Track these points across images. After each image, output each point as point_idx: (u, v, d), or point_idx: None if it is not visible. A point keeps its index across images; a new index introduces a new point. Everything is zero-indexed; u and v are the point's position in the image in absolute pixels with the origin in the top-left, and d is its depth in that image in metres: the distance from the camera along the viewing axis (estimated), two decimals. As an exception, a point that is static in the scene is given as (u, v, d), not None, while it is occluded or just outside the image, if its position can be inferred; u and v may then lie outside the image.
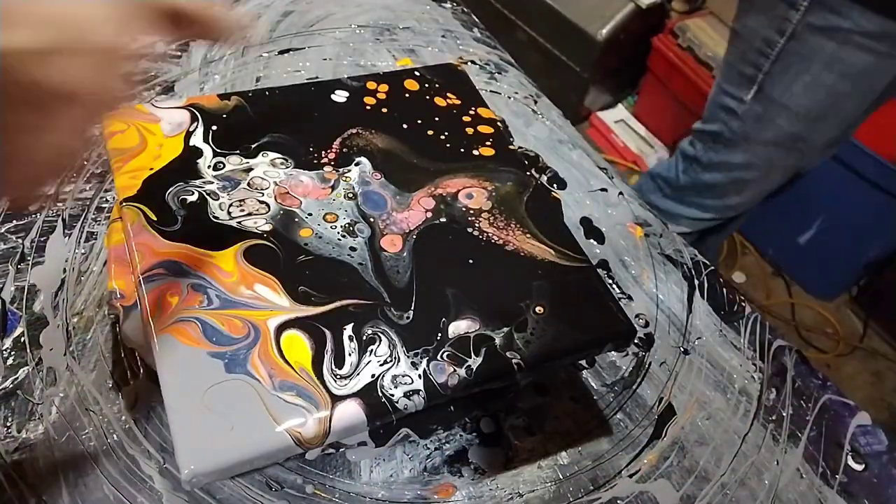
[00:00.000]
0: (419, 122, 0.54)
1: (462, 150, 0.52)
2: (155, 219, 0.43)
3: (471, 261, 0.45)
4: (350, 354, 0.39)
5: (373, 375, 0.38)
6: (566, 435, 0.49)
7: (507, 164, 0.52)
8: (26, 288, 0.50)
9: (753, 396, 0.54)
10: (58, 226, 0.54)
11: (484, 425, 0.49)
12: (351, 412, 0.37)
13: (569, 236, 0.48)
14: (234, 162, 0.48)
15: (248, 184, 0.46)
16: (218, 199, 0.45)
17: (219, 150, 0.48)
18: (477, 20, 0.84)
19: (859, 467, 0.51)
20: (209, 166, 0.47)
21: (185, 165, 0.47)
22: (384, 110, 0.54)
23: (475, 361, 0.40)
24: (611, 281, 0.59)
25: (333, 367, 0.38)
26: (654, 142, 1.77)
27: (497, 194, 0.50)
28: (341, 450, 0.45)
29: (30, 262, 0.52)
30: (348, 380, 0.38)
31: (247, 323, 0.39)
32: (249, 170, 0.47)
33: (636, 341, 0.55)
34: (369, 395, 0.37)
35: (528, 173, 0.52)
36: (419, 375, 0.39)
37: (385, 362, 0.39)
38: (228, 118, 0.50)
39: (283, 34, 0.75)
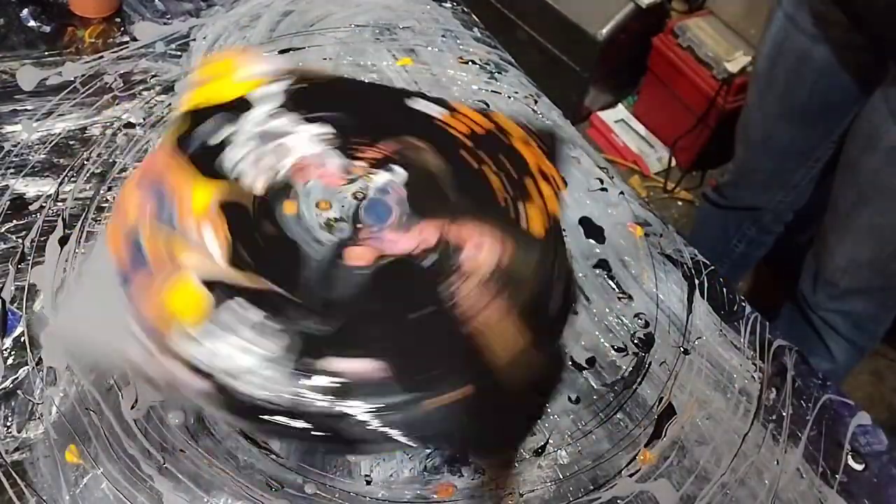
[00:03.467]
0: (493, 167, 0.48)
1: (513, 214, 0.46)
2: (181, 135, 0.45)
3: (422, 314, 0.41)
4: (225, 330, 0.38)
5: (227, 356, 0.37)
6: (566, 435, 0.49)
7: (544, 252, 0.45)
8: (26, 287, 0.50)
9: (753, 396, 0.54)
10: (58, 226, 0.54)
11: (484, 425, 0.49)
12: (178, 378, 0.37)
13: (543, 344, 0.43)
14: (283, 121, 0.47)
15: (280, 145, 0.46)
16: (239, 148, 0.45)
17: (282, 107, 0.48)
18: (477, 20, 0.84)
19: (859, 467, 0.51)
20: (259, 116, 0.47)
21: (239, 108, 0.47)
22: (468, 142, 0.49)
23: (356, 416, 0.37)
24: (611, 281, 0.59)
25: (201, 334, 0.38)
26: (654, 141, 1.77)
27: (509, 265, 0.43)
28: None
29: (30, 262, 0.51)
30: (196, 343, 0.37)
31: (171, 255, 0.39)
32: (289, 134, 0.47)
33: (635, 342, 0.55)
34: (209, 374, 0.37)
35: (554, 266, 0.45)
36: (284, 391, 0.37)
37: (255, 355, 0.37)
38: (314, 84, 0.50)
39: (283, 34, 0.75)
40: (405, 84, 0.71)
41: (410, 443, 0.39)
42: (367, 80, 0.54)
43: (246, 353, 0.37)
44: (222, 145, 0.45)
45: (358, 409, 0.37)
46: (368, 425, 0.38)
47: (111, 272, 0.39)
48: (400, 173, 0.47)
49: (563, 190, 0.49)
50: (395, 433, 0.38)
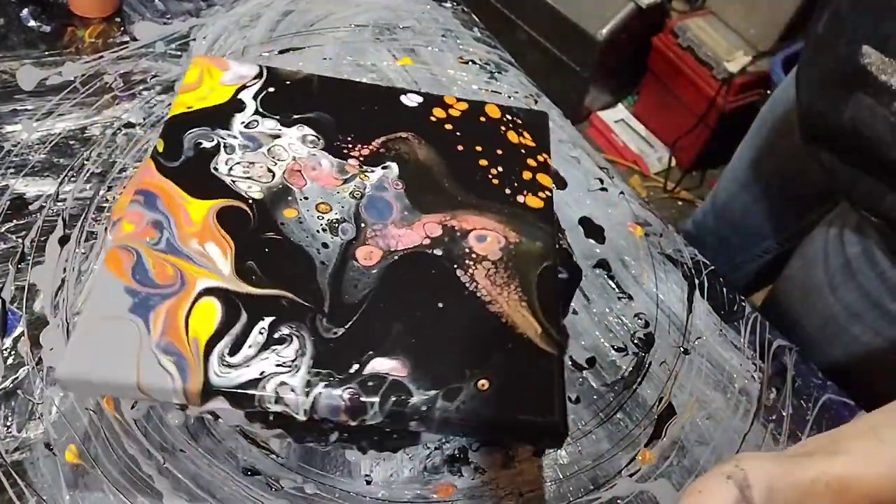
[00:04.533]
0: (477, 149, 0.50)
1: (508, 191, 0.48)
2: (161, 151, 0.44)
3: (440, 305, 0.41)
4: (250, 347, 0.37)
5: (261, 373, 0.37)
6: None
7: (546, 224, 0.47)
8: (26, 287, 0.50)
9: (753, 396, 0.54)
10: (58, 225, 0.54)
11: (484, 425, 0.49)
12: (214, 406, 0.37)
13: (558, 319, 0.44)
14: (268, 125, 0.48)
15: (269, 150, 0.46)
16: (231, 154, 0.45)
17: (261, 110, 0.48)
18: (477, 20, 0.84)
19: (859, 467, 0.51)
20: (243, 122, 0.47)
21: (222, 114, 0.47)
22: (448, 126, 0.51)
23: (373, 414, 0.37)
24: (611, 281, 0.59)
25: (226, 352, 0.37)
26: (654, 141, 1.77)
27: (516, 250, 0.45)
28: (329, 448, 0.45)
29: (30, 262, 0.52)
30: (233, 369, 0.36)
31: (178, 274, 0.39)
32: (277, 136, 0.47)
33: (635, 342, 0.55)
34: (242, 396, 0.36)
35: (558, 244, 0.47)
36: (306, 395, 0.36)
37: (282, 365, 0.37)
38: (291, 85, 0.50)
39: (282, 34, 0.75)
40: (405, 84, 0.71)
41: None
42: (336, 78, 0.55)
43: (273, 366, 0.37)
44: (209, 155, 0.45)
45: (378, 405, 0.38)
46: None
47: (118, 300, 0.38)
48: (393, 168, 0.48)
49: (549, 162, 0.52)
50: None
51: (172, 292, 0.38)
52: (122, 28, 0.71)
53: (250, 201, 0.43)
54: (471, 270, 0.43)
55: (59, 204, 0.55)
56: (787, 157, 0.77)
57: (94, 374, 0.35)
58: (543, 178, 0.50)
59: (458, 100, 0.53)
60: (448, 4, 0.85)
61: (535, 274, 0.44)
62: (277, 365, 0.37)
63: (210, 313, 0.38)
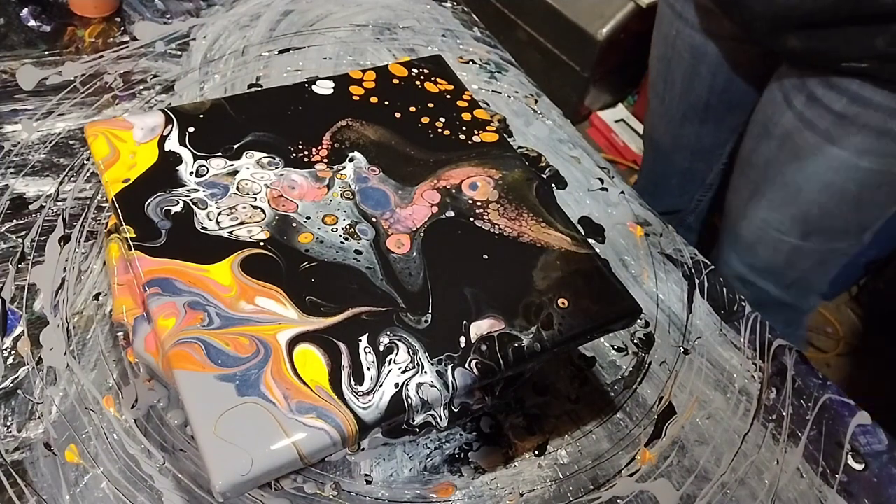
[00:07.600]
0: (412, 109, 0.51)
1: (462, 136, 0.50)
2: (136, 236, 0.40)
3: (486, 256, 0.43)
4: (369, 368, 0.37)
5: (396, 385, 0.36)
6: (566, 435, 0.49)
7: (510, 151, 0.50)
8: (26, 287, 0.50)
9: (753, 396, 0.54)
10: (58, 225, 0.54)
11: (484, 425, 0.49)
12: (369, 437, 0.36)
13: (573, 222, 0.47)
14: (217, 165, 0.45)
15: (238, 188, 0.44)
16: (206, 208, 0.42)
17: (199, 154, 0.45)
18: (477, 19, 0.84)
19: (859, 467, 0.51)
20: (191, 172, 0.44)
21: (164, 173, 0.43)
22: (373, 100, 0.51)
23: (501, 371, 0.38)
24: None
25: (353, 383, 0.36)
26: (654, 141, 1.77)
27: (504, 182, 0.48)
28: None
29: (30, 262, 0.52)
30: (371, 395, 0.36)
31: (254, 340, 0.37)
32: (235, 172, 0.44)
33: (635, 341, 0.55)
34: (394, 416, 0.36)
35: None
36: (448, 386, 0.37)
37: (406, 370, 0.37)
38: (206, 118, 0.47)
39: (283, 33, 0.75)
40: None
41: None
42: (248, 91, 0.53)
43: (401, 374, 0.37)
44: (186, 217, 0.42)
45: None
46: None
47: (218, 391, 0.35)
48: (359, 157, 0.48)
49: (473, 97, 0.54)
50: None
51: (263, 358, 0.36)
52: (122, 28, 0.71)
53: (261, 244, 0.41)
54: (485, 216, 0.46)
55: (59, 204, 0.55)
56: (714, 70, 0.85)
57: (254, 469, 0.32)
58: (481, 114, 0.53)
59: (363, 71, 0.54)
60: (448, 4, 0.85)
61: (532, 195, 0.47)
62: (403, 371, 0.37)
63: (312, 358, 0.36)
